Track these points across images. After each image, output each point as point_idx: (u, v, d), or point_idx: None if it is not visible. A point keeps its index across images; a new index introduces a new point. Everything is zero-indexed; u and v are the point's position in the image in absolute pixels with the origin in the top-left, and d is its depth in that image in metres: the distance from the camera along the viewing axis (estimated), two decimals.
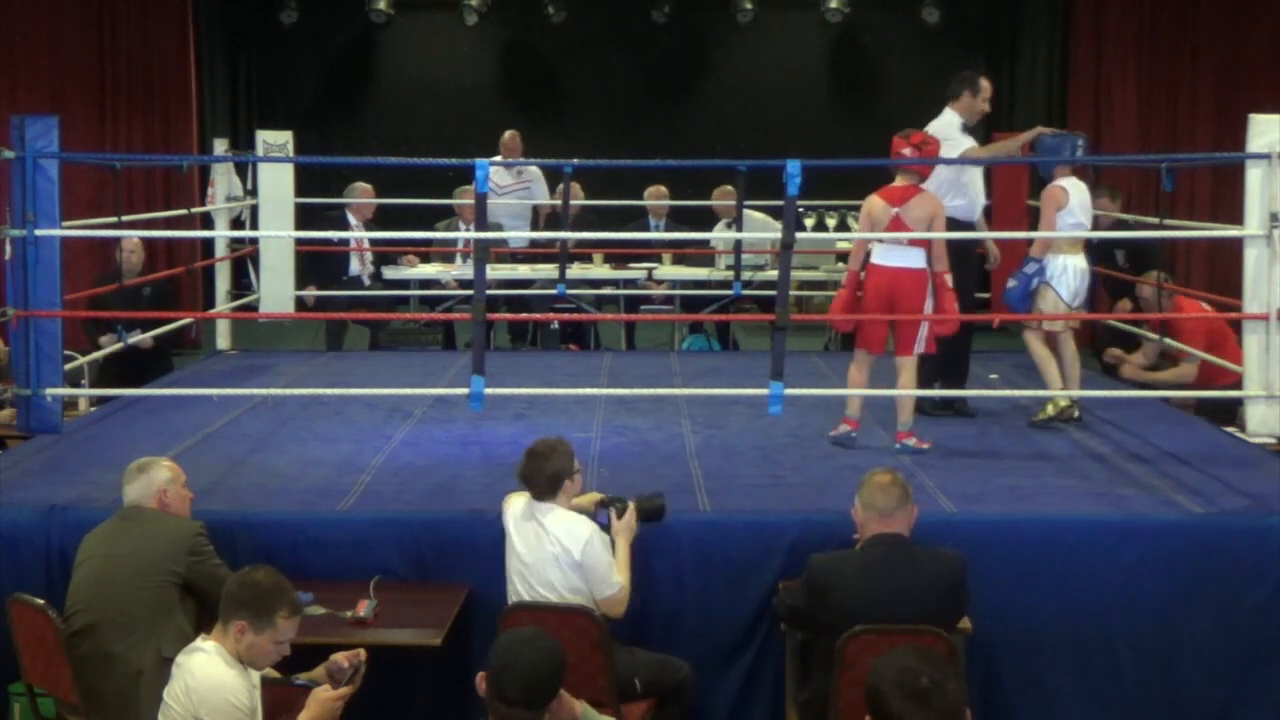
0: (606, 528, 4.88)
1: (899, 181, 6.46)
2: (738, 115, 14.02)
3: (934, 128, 7.01)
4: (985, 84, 7.29)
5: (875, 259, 6.37)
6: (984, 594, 4.87)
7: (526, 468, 4.85)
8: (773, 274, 8.53)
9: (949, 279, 6.36)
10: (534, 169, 10.80)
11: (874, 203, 6.46)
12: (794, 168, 5.75)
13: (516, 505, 4.90)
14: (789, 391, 5.89)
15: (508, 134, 10.97)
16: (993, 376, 8.12)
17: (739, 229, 9.59)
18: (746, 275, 9.91)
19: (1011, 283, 6.92)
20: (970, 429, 6.93)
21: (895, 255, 6.34)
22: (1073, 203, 6.84)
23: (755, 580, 5.24)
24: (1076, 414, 6.92)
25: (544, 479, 4.82)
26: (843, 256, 10.57)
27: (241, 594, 3.92)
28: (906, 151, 6.39)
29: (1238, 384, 7.47)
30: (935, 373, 7.09)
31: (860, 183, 10.03)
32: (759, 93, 14.18)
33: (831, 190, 10.01)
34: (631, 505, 4.99)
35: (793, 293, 9.63)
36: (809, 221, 10.74)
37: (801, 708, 4.82)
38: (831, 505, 5.45)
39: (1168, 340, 7.88)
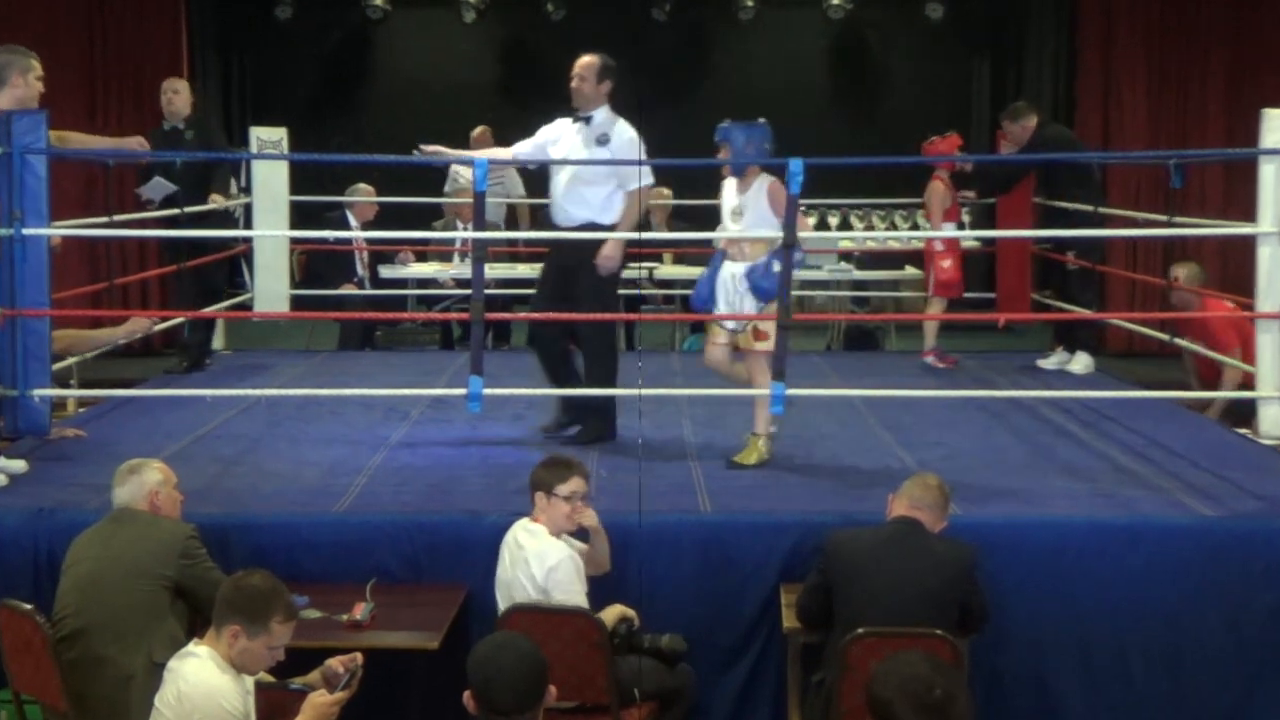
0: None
1: None
2: (739, 114, 13.87)
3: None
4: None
5: None
6: (989, 597, 4.81)
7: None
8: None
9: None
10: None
11: None
12: (796, 166, 5.74)
13: (516, 526, 4.89)
14: (790, 391, 5.86)
15: (478, 130, 10.94)
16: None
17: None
18: None
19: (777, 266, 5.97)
20: (974, 429, 6.85)
21: None
22: None
23: (755, 581, 5.21)
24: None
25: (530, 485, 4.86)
26: (845, 256, 10.53)
27: (236, 598, 3.87)
28: None
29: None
30: None
31: (863, 181, 10.02)
32: (761, 91, 14.07)
33: (834, 189, 9.93)
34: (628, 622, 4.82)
35: (794, 292, 9.54)
36: (811, 220, 10.65)
37: (809, 692, 4.79)
38: (831, 505, 5.44)
39: (1194, 347, 7.52)
